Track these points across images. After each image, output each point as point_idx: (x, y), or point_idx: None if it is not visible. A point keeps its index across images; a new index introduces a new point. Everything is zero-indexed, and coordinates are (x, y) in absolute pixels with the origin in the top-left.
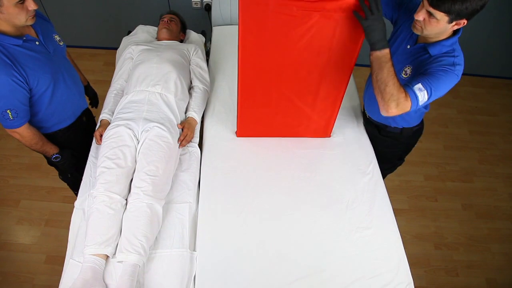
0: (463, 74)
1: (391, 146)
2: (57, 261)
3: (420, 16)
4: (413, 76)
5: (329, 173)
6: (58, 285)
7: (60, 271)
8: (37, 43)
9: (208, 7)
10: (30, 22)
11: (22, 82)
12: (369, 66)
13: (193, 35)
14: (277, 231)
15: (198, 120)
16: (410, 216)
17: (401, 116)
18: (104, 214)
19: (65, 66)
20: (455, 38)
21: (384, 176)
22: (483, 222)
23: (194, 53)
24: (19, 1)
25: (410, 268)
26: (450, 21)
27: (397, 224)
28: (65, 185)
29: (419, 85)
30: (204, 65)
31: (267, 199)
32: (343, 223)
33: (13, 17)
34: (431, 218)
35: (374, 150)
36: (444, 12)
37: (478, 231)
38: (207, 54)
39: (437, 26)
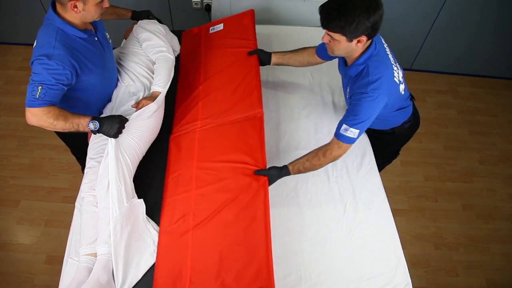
0: (463, 74)
1: (387, 144)
2: (57, 261)
3: (325, 39)
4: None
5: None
6: (58, 285)
7: (60, 271)
8: (96, 38)
9: (208, 7)
10: (98, 19)
11: (70, 72)
12: None
13: None
14: (275, 231)
15: (163, 90)
16: (410, 217)
17: (383, 120)
18: (91, 214)
19: (111, 64)
20: (366, 55)
21: (381, 169)
22: (483, 223)
23: (137, 37)
24: (100, 1)
25: (409, 269)
26: (350, 40)
27: (397, 224)
28: (65, 185)
29: (344, 126)
30: (151, 35)
31: None
32: (341, 224)
33: (90, 15)
34: (431, 219)
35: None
36: (337, 32)
37: (478, 231)
38: None
39: (341, 46)
